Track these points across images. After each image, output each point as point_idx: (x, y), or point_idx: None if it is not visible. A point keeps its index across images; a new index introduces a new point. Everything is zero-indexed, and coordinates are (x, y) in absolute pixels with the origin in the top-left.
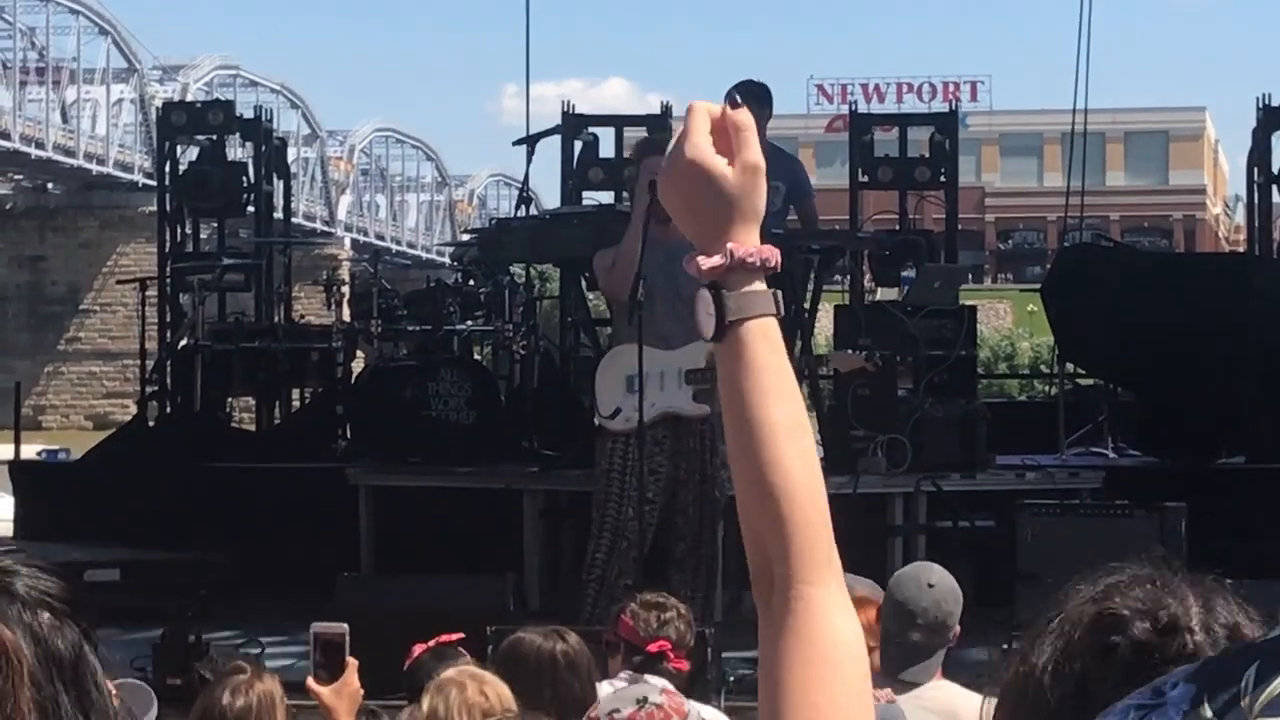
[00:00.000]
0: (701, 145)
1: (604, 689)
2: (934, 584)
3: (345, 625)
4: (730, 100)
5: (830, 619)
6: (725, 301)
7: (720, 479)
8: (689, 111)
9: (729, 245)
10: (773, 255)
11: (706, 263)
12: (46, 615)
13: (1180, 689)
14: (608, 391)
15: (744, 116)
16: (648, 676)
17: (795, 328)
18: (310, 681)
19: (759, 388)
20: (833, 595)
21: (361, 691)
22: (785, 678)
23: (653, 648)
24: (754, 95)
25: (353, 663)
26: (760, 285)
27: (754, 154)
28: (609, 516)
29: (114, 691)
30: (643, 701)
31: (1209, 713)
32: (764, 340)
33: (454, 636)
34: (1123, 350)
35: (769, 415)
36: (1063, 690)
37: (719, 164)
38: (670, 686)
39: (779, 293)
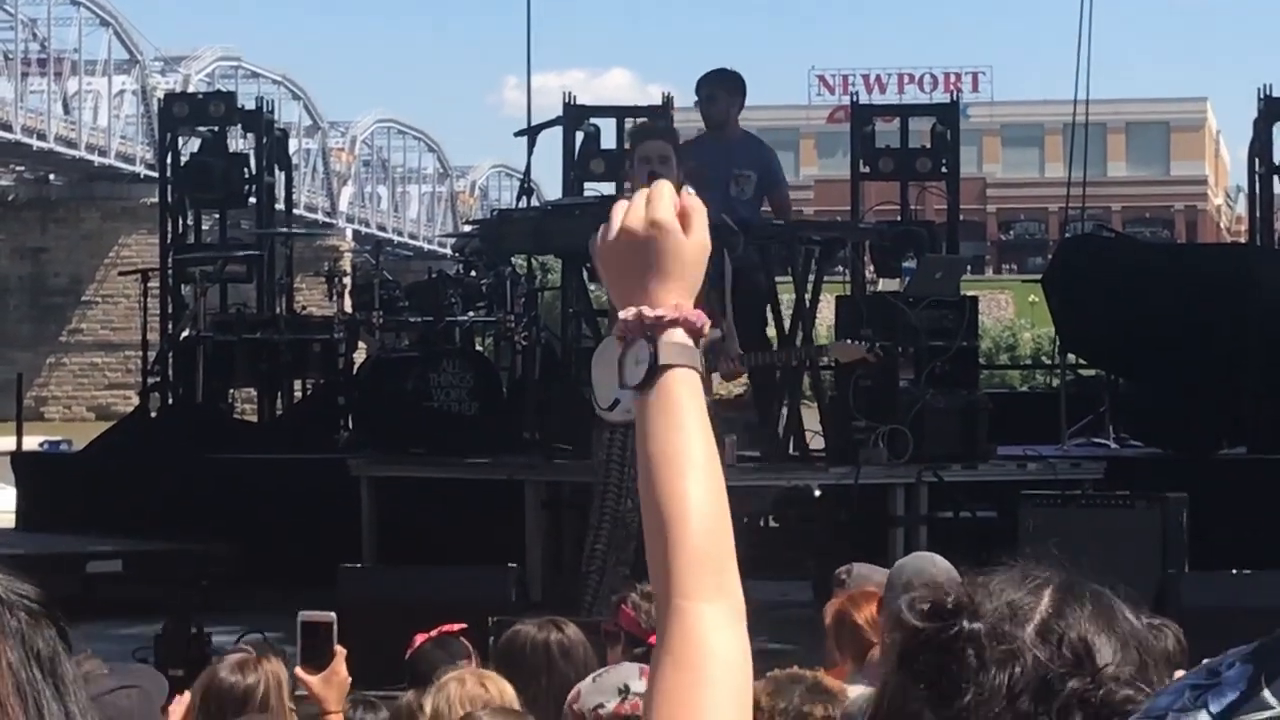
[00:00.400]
0: (638, 210)
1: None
2: (935, 576)
3: (333, 614)
4: (685, 167)
5: (704, 633)
6: (658, 350)
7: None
8: (647, 190)
9: (661, 309)
10: (701, 320)
11: (626, 314)
12: (24, 615)
13: (1237, 669)
14: (605, 382)
15: (695, 201)
16: (645, 667)
17: (797, 319)
18: (299, 670)
19: (673, 423)
20: (714, 612)
21: (349, 680)
22: (655, 686)
23: (653, 638)
24: (726, 84)
25: (340, 651)
26: (688, 341)
27: (699, 233)
28: (608, 507)
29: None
30: (624, 691)
31: (1269, 694)
32: (685, 386)
33: (456, 626)
34: (1124, 341)
35: (679, 449)
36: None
37: (664, 226)
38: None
39: (700, 355)
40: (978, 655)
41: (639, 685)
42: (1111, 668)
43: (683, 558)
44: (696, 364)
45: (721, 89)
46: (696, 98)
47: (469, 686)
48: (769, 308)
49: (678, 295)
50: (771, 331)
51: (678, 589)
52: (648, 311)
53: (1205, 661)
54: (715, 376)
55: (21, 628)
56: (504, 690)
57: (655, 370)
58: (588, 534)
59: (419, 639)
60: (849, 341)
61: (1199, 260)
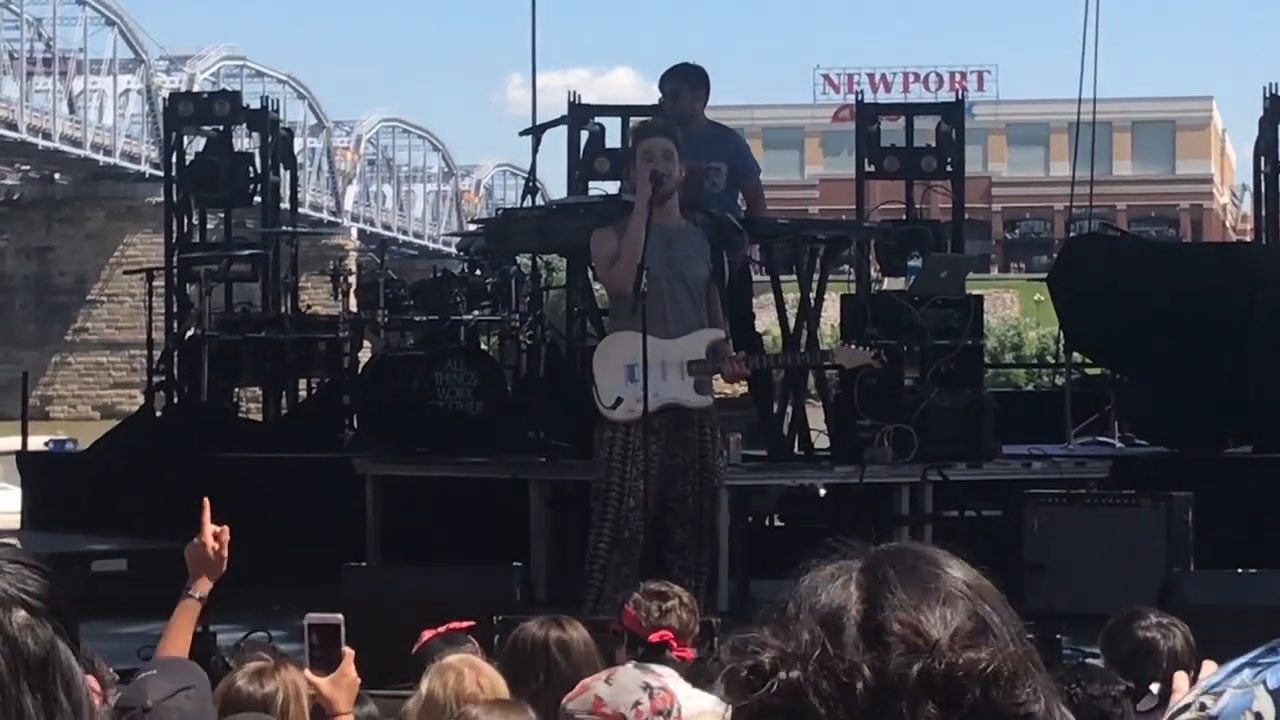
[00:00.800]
0: None
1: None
2: None
3: (340, 615)
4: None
5: None
6: None
7: (719, 468)
8: None
9: None
10: None
11: None
12: (21, 613)
13: None
14: (608, 380)
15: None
16: (654, 667)
17: (802, 318)
18: (307, 672)
19: None
20: None
21: (358, 681)
22: None
23: (654, 638)
24: (689, 78)
25: (349, 652)
26: None
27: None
28: (610, 506)
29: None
30: (648, 687)
31: None
32: None
33: (465, 624)
34: (1129, 340)
35: None
36: None
37: None
38: (658, 670)
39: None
40: (816, 694)
41: (658, 681)
42: (944, 638)
43: None
44: None
45: (685, 84)
46: (660, 95)
47: (465, 681)
48: (775, 307)
49: None
50: (777, 331)
51: None
52: None
53: (1273, 642)
54: (717, 377)
55: (12, 630)
56: (496, 684)
57: None
58: (590, 533)
59: (426, 634)
60: (854, 346)
61: (1205, 259)
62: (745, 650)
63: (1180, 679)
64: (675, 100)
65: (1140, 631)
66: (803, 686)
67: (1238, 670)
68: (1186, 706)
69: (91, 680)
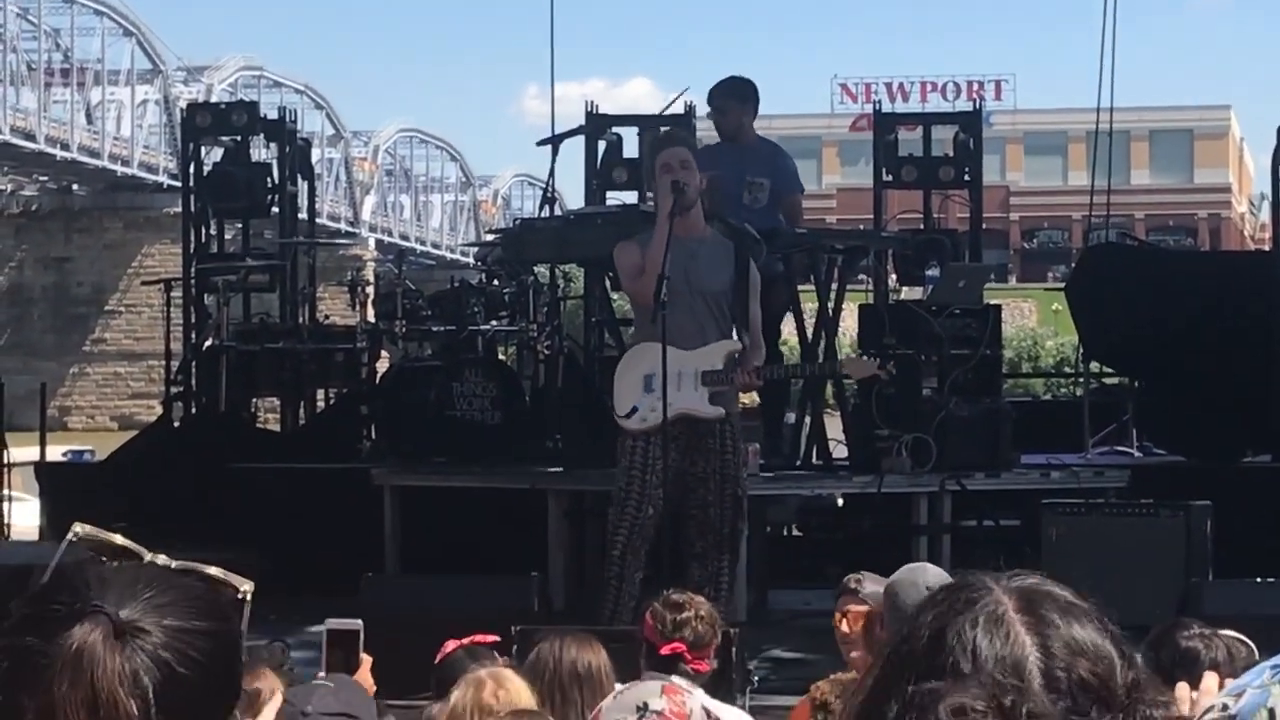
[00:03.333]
0: None
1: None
2: (930, 586)
3: (359, 622)
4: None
5: None
6: None
7: (741, 477)
8: None
9: None
10: None
11: None
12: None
13: None
14: (625, 390)
15: None
16: (674, 679)
17: (820, 327)
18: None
19: None
20: None
21: (374, 688)
22: None
23: (665, 650)
24: (736, 93)
25: (366, 659)
26: None
27: None
28: (628, 514)
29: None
30: (643, 710)
31: None
32: None
33: (490, 638)
34: (1147, 349)
35: None
36: None
37: None
38: (678, 683)
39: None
40: None
41: (658, 703)
42: (1123, 686)
43: None
44: None
45: (732, 99)
46: (709, 109)
47: (484, 693)
48: (793, 317)
49: None
50: (794, 341)
51: None
52: None
53: None
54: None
55: (137, 662)
56: (517, 695)
57: None
58: (607, 540)
59: (450, 646)
60: (862, 357)
61: (1223, 267)
62: (964, 710)
63: (1210, 679)
64: (722, 116)
65: (1183, 641)
66: None
67: (1261, 672)
68: (1211, 707)
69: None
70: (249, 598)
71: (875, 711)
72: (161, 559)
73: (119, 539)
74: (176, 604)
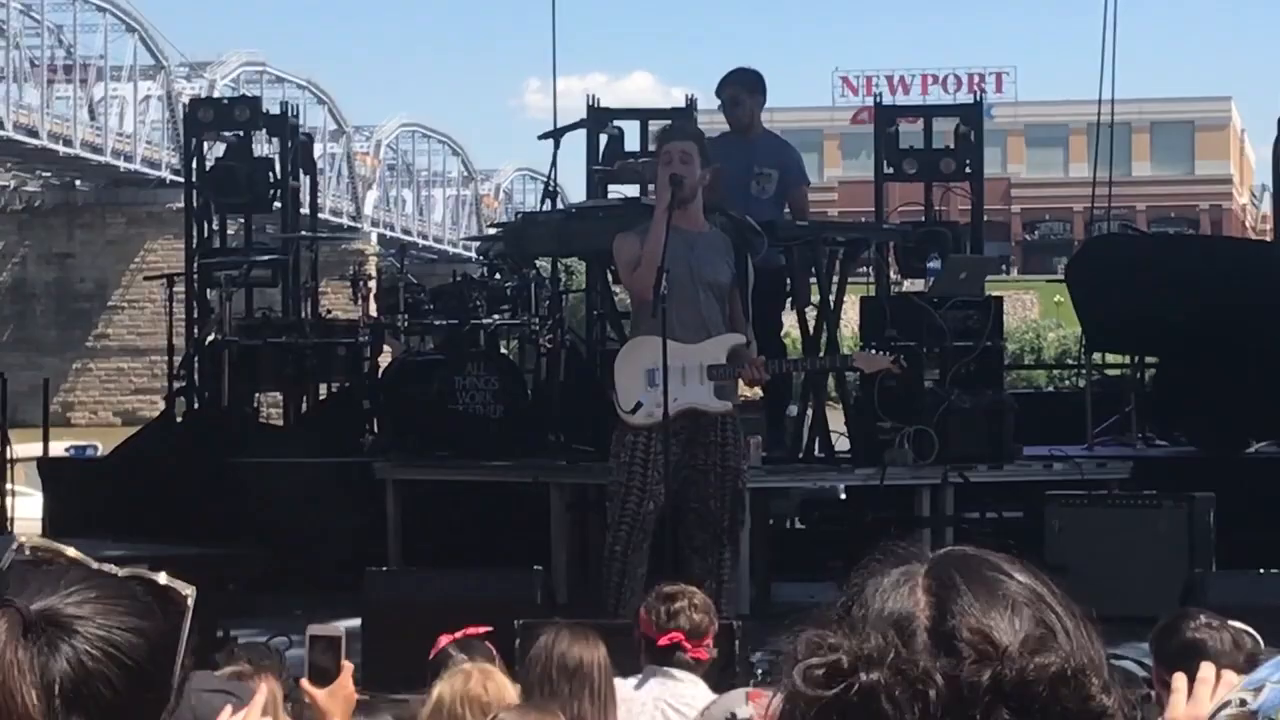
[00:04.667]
0: None
1: (625, 688)
2: None
3: (342, 629)
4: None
5: None
6: None
7: (742, 470)
8: None
9: None
10: None
11: None
12: (47, 635)
13: None
14: (628, 385)
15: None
16: (673, 670)
17: (821, 320)
18: (304, 683)
19: None
20: None
21: (355, 696)
22: None
23: (663, 641)
24: (747, 84)
25: (348, 665)
26: None
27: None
28: (629, 509)
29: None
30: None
31: None
32: None
33: (480, 629)
34: (1149, 337)
35: None
36: None
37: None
38: (758, 691)
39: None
40: (890, 698)
41: (745, 710)
42: (1014, 645)
43: None
44: None
45: (744, 90)
46: (719, 101)
47: (471, 684)
48: (795, 309)
49: None
50: (796, 333)
51: None
52: None
53: None
54: (739, 381)
55: (45, 656)
56: (503, 690)
57: None
58: (607, 535)
59: (443, 640)
60: (873, 351)
61: (1227, 253)
62: (822, 646)
63: (1207, 669)
64: (735, 107)
65: (1190, 631)
66: (878, 689)
67: (1277, 666)
68: (1228, 702)
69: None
70: (190, 603)
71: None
72: (109, 568)
73: (71, 551)
74: (100, 602)
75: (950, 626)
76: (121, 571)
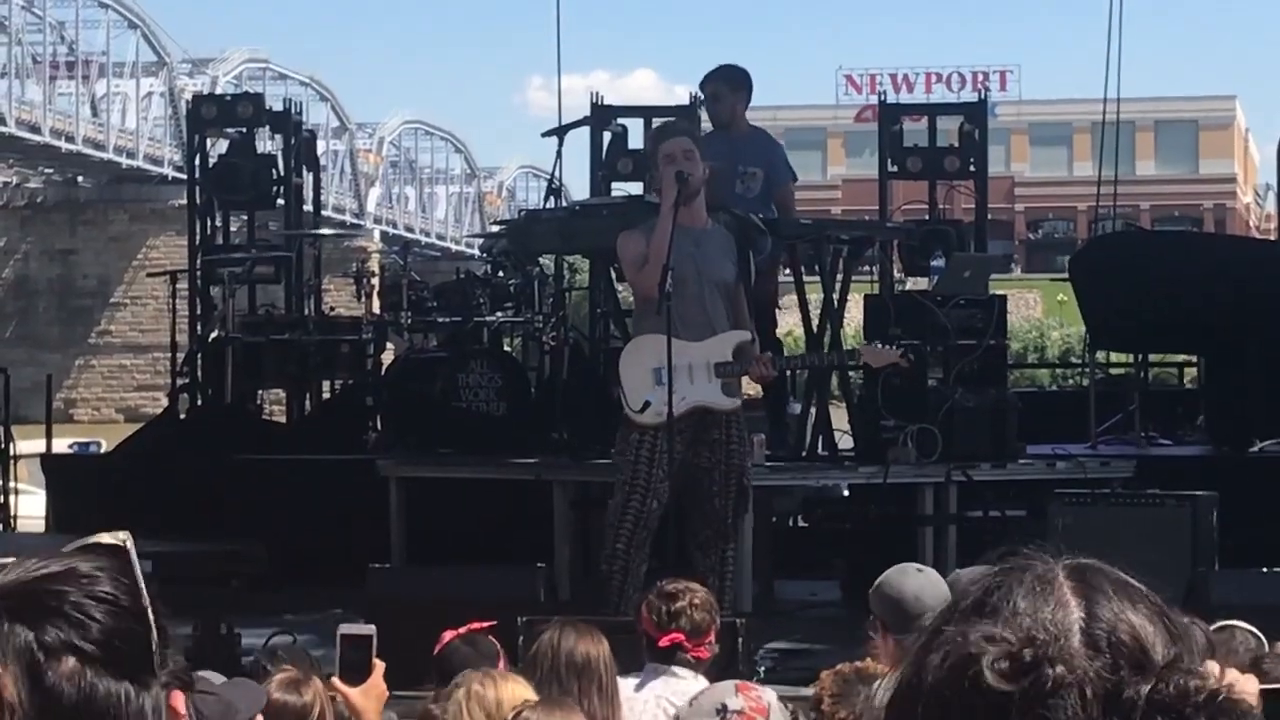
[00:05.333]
0: None
1: (626, 688)
2: (919, 595)
3: (373, 626)
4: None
5: None
6: None
7: (747, 468)
8: None
9: None
10: None
11: None
12: (71, 661)
13: None
14: (635, 384)
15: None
16: (675, 669)
17: (825, 318)
18: (337, 681)
19: None
20: None
21: (387, 693)
22: None
23: (664, 642)
24: (730, 81)
25: (379, 664)
26: None
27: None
28: (632, 506)
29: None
30: (723, 711)
31: None
32: None
33: (485, 624)
34: (1153, 335)
35: None
36: None
37: None
38: (747, 684)
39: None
40: (1065, 697)
41: (736, 702)
42: (1166, 657)
43: None
44: None
45: (725, 86)
46: (701, 97)
47: (486, 689)
48: (798, 307)
49: None
50: (799, 332)
51: None
52: None
53: None
54: (744, 378)
55: (52, 680)
56: (516, 691)
57: None
58: (608, 532)
59: (447, 636)
60: (880, 346)
61: (1230, 252)
62: (995, 639)
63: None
64: (716, 103)
65: None
66: (1069, 683)
67: None
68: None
69: (177, 699)
70: (129, 545)
71: (919, 667)
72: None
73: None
74: (41, 566)
75: (1105, 630)
76: (64, 549)
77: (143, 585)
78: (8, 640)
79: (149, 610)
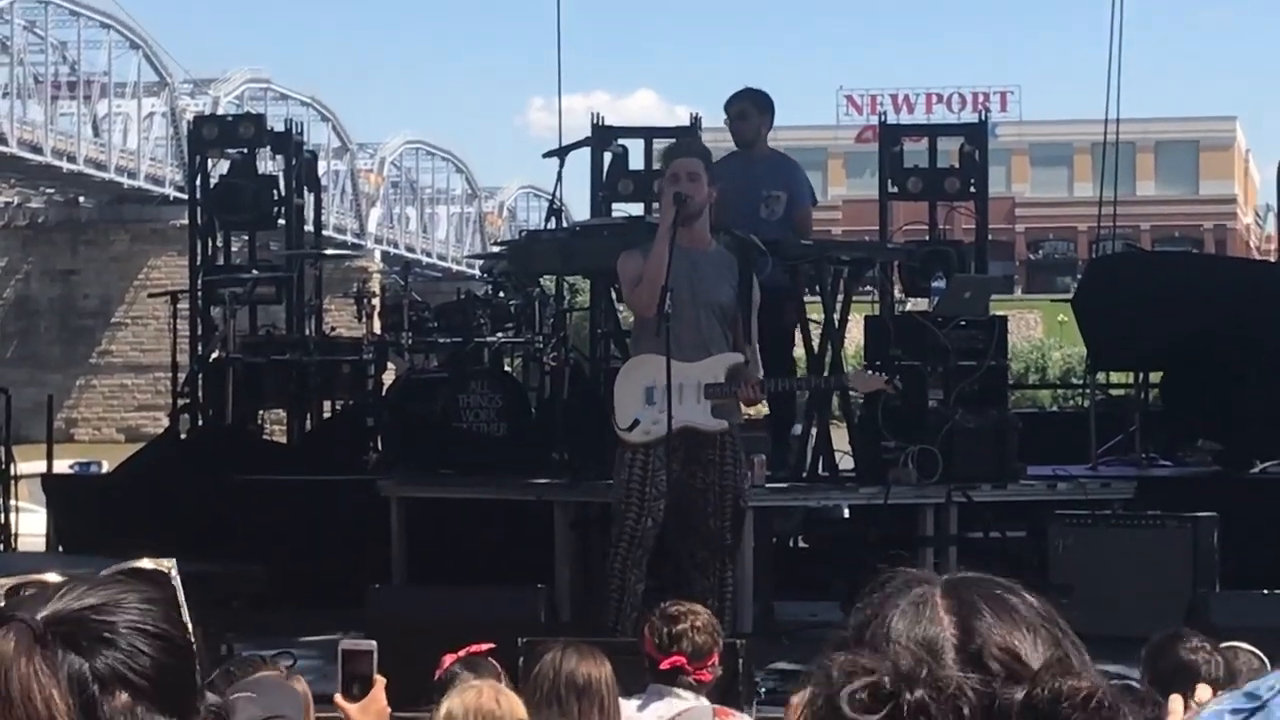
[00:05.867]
0: None
1: (629, 709)
2: None
3: (374, 643)
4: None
5: None
6: None
7: (744, 489)
8: None
9: None
10: None
11: None
12: (124, 696)
13: None
14: (626, 402)
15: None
16: (677, 690)
17: (826, 339)
18: (339, 698)
19: None
20: None
21: (388, 710)
22: None
23: (665, 665)
24: (755, 101)
25: (380, 680)
26: None
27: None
28: (627, 526)
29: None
30: None
31: None
32: None
33: (484, 646)
34: (1156, 357)
35: None
36: None
37: None
38: (726, 709)
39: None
40: (956, 715)
41: None
42: (1042, 665)
43: None
44: None
45: (753, 106)
46: (726, 116)
47: (484, 698)
48: (800, 328)
49: None
50: (800, 352)
51: None
52: None
53: (1246, 686)
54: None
55: (105, 714)
56: (515, 706)
57: None
58: (607, 553)
59: (448, 659)
60: (868, 372)
61: (1230, 273)
62: (858, 670)
63: (1204, 691)
64: (742, 122)
65: (1184, 653)
66: (927, 706)
67: (1217, 717)
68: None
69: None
70: (174, 574)
71: (810, 701)
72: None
73: (51, 576)
74: (99, 593)
75: (978, 645)
76: (103, 572)
77: (188, 618)
78: (61, 667)
79: (194, 644)
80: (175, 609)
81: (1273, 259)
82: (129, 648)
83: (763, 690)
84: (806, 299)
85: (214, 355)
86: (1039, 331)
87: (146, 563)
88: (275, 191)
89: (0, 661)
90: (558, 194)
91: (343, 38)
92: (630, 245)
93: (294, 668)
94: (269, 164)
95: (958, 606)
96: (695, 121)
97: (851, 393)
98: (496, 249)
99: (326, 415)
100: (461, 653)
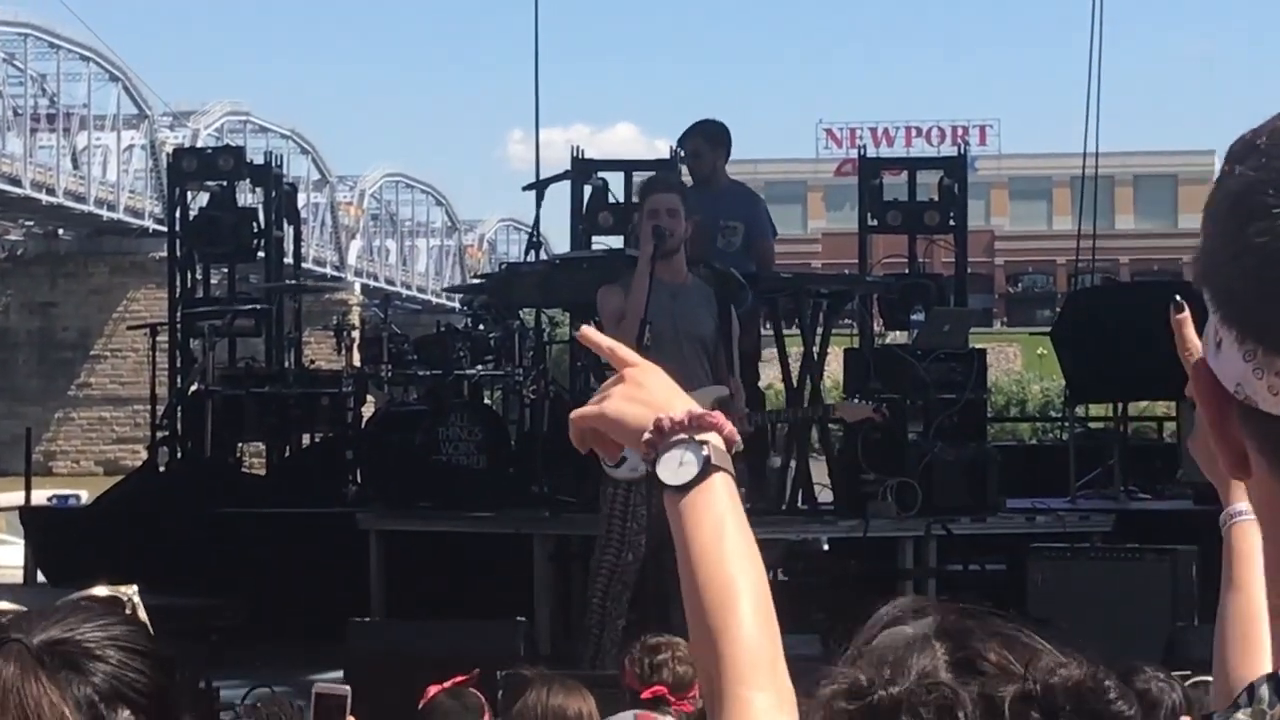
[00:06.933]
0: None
1: None
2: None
3: (348, 688)
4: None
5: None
6: (711, 452)
7: None
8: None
9: (657, 418)
10: (731, 427)
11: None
12: (125, 713)
13: None
14: None
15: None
16: (657, 716)
17: (805, 372)
18: None
19: (720, 520)
20: (766, 700)
21: None
22: None
23: (646, 694)
24: (707, 137)
25: None
26: (718, 442)
27: (630, 373)
28: (607, 560)
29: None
30: None
31: None
32: (728, 485)
33: (468, 677)
34: (1136, 389)
35: (726, 542)
36: None
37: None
38: (646, 713)
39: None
40: (914, 714)
41: None
42: (1040, 664)
43: (738, 646)
44: (732, 468)
45: (705, 143)
46: (681, 153)
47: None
48: (779, 361)
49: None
50: (780, 385)
51: (734, 678)
52: (696, 410)
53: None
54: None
55: (68, 677)
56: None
57: (708, 471)
58: (588, 586)
59: (432, 690)
60: (855, 400)
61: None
62: (837, 677)
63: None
64: (696, 160)
65: (1138, 684)
66: (904, 699)
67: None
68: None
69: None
70: (135, 599)
71: None
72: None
73: (4, 604)
74: (84, 618)
75: (970, 654)
76: (59, 601)
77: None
78: (67, 689)
79: (174, 661)
80: (146, 630)
81: None
82: (121, 665)
83: None
84: (786, 332)
85: (193, 388)
86: (1018, 364)
87: (102, 590)
88: (255, 224)
89: (8, 683)
90: (537, 227)
91: (323, 70)
92: (610, 278)
93: (274, 696)
94: (249, 196)
95: (951, 629)
96: (675, 154)
97: (831, 425)
98: (476, 281)
99: (305, 447)
100: (447, 684)
